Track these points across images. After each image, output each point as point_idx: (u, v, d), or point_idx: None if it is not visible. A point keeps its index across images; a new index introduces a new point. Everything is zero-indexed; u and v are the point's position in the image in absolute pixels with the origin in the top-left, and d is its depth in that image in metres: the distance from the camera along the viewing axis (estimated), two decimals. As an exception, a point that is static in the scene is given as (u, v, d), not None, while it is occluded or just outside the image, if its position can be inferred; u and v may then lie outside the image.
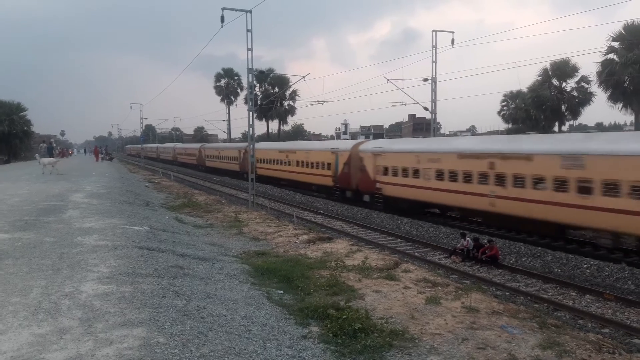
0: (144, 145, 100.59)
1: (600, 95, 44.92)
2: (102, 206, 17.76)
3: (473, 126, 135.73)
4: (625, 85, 39.51)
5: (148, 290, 7.82)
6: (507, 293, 13.33)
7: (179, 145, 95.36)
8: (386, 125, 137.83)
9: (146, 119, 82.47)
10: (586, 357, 6.75)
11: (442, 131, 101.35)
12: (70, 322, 6.19)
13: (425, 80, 34.97)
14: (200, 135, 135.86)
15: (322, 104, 44.10)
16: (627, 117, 45.72)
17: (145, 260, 9.89)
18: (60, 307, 6.75)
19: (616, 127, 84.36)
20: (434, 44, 33.49)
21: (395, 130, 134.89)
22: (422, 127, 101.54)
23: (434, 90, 34.54)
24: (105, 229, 12.83)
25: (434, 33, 33.53)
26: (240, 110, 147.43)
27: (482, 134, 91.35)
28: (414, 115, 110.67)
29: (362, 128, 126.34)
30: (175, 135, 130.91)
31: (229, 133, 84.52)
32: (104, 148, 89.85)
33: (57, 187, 23.73)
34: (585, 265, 15.28)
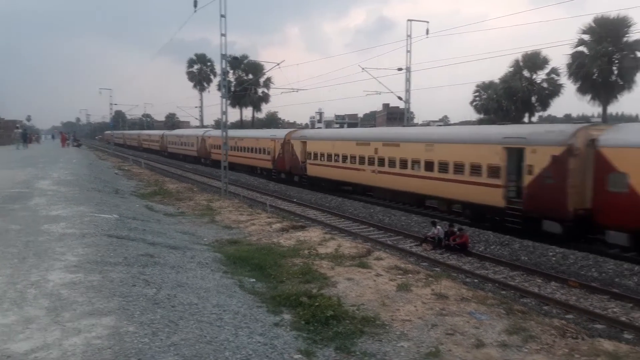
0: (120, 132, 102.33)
1: (569, 87, 45.92)
2: (70, 193, 17.36)
3: (446, 116, 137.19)
4: (594, 77, 40.44)
5: (117, 279, 7.71)
6: (475, 280, 13.61)
7: (144, 132, 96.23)
8: (361, 114, 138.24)
9: (116, 104, 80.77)
10: (551, 342, 6.96)
11: (415, 120, 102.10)
12: (36, 312, 6.07)
13: (400, 69, 35.15)
14: (172, 122, 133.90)
15: (297, 91, 43.90)
16: (595, 109, 46.82)
17: (114, 248, 9.74)
18: (26, 296, 6.60)
19: (584, 119, 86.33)
20: (409, 34, 33.66)
21: (370, 119, 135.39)
22: (396, 116, 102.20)
23: (408, 80, 34.76)
24: (73, 217, 12.56)
25: (409, 22, 33.69)
26: (214, 96, 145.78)
27: (455, 124, 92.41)
28: (388, 104, 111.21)
29: (337, 117, 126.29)
30: (146, 121, 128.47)
31: (202, 120, 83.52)
32: (72, 134, 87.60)
33: (23, 174, 23.06)
34: (551, 254, 15.70)
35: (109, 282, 7.45)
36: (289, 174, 36.43)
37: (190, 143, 59.22)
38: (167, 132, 75.42)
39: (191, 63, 79.01)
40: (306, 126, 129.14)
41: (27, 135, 54.72)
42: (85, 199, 16.56)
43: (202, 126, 79.62)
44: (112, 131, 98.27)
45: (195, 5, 25.55)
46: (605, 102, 41.64)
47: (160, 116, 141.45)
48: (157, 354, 5.29)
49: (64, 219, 12.17)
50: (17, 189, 17.50)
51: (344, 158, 28.96)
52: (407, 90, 35.07)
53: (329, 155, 30.65)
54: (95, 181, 24.07)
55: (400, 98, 35.95)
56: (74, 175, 24.71)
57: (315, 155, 32.42)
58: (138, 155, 66.39)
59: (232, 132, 47.86)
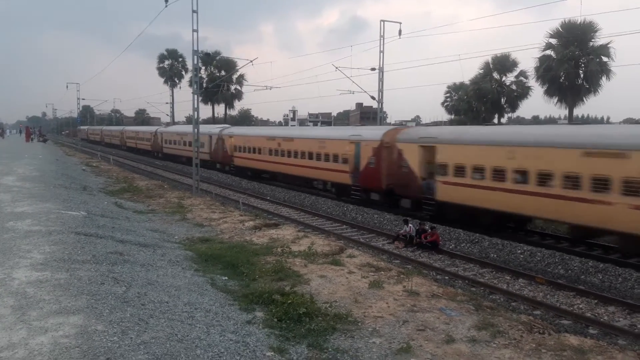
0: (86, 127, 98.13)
1: (537, 90, 46.88)
2: (36, 190, 16.90)
3: (418, 116, 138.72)
4: (561, 80, 41.39)
5: (85, 277, 7.55)
6: (446, 277, 13.80)
7: (130, 128, 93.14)
8: (334, 113, 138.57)
9: (83, 99, 78.79)
10: (518, 337, 7.12)
11: (388, 120, 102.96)
12: (1, 310, 5.90)
13: (373, 69, 35.34)
14: (142, 117, 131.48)
15: (270, 89, 43.74)
16: (562, 111, 47.95)
17: (82, 246, 9.53)
18: (-11, 294, 6.40)
19: (551, 120, 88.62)
20: (382, 34, 33.84)
21: (343, 118, 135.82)
22: (369, 115, 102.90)
23: (381, 80, 34.96)
24: (39, 214, 12.24)
25: (382, 23, 33.84)
26: (185, 93, 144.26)
27: (427, 124, 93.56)
28: (362, 104, 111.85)
29: (310, 115, 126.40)
30: (115, 117, 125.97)
31: (172, 116, 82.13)
32: (38, 129, 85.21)
33: (-14, 170, 22.36)
34: (519, 251, 16.05)
35: (77, 280, 7.28)
36: (222, 164, 41.98)
37: (146, 138, 57.12)
38: (162, 128, 62.79)
39: (162, 58, 77.63)
40: (279, 124, 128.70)
41: None
42: (51, 195, 16.14)
43: (174, 123, 78.47)
44: (87, 126, 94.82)
45: (166, 0, 25.14)
46: (571, 105, 42.68)
47: (130, 112, 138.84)
48: (127, 352, 5.20)
49: (29, 216, 11.85)
50: (-20, 185, 16.95)
51: (259, 150, 36.01)
52: (380, 90, 35.28)
53: (250, 149, 37.16)
54: (62, 177, 23.49)
55: (373, 98, 36.16)
56: (40, 171, 24.06)
57: (241, 148, 38.52)
58: (115, 154, 63.81)
59: (177, 128, 49.60)
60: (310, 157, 28.57)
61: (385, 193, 23.46)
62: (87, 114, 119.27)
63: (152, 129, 62.34)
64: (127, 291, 7.26)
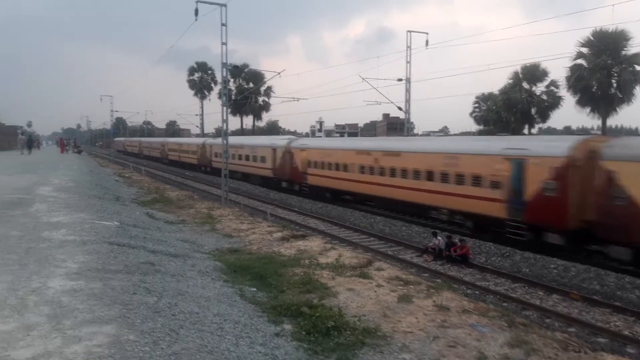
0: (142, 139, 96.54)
1: (568, 100, 46.06)
2: (71, 200, 17.34)
3: (446, 127, 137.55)
4: (593, 90, 40.57)
5: (118, 286, 7.68)
6: (477, 292, 13.56)
7: (145, 139, 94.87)
8: (361, 124, 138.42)
9: (116, 111, 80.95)
10: (553, 355, 6.92)
11: (415, 131, 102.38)
12: (37, 319, 6.03)
13: (400, 80, 35.26)
14: (173, 129, 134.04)
15: (298, 100, 44.02)
16: (595, 121, 46.90)
17: (115, 256, 9.71)
18: (27, 303, 6.56)
19: (584, 131, 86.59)
20: (409, 45, 33.79)
21: (370, 129, 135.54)
22: (396, 126, 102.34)
23: (408, 90, 34.86)
24: (73, 224, 12.53)
25: (409, 34, 33.82)
26: (214, 104, 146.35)
27: (455, 134, 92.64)
28: (389, 114, 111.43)
29: (337, 126, 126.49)
30: (147, 129, 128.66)
31: (202, 128, 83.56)
32: (73, 140, 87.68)
33: (24, 180, 23.05)
34: (552, 266, 15.65)
35: (110, 290, 7.41)
36: (205, 167, 52.71)
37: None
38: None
39: (192, 71, 79.21)
40: (306, 135, 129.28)
41: (32, 142, 57.54)
42: (85, 205, 16.53)
43: (203, 134, 79.59)
44: (124, 138, 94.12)
45: (196, 14, 25.64)
46: (604, 115, 41.73)
47: (160, 124, 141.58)
48: (158, 363, 5.25)
49: (64, 226, 12.14)
50: (18, 195, 17.48)
51: (218, 155, 46.07)
52: (407, 101, 35.17)
53: (216, 154, 47.69)
54: (96, 188, 24.05)
55: (400, 108, 36.04)
56: (75, 181, 24.70)
57: (216, 154, 48.04)
58: (146, 165, 61.57)
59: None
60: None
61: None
62: (119, 126, 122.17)
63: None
64: (159, 301, 7.35)
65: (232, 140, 47.01)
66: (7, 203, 15.45)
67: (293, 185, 34.95)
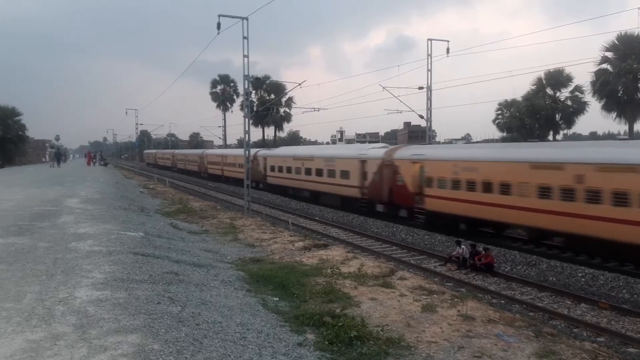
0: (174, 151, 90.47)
1: (594, 105, 45.24)
2: (97, 211, 17.67)
3: (468, 134, 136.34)
4: (619, 94, 39.78)
5: (143, 296, 7.77)
6: (502, 301, 13.32)
7: (179, 151, 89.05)
8: (382, 133, 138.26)
9: (141, 124, 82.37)
10: (582, 365, 6.74)
11: (437, 139, 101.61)
12: (64, 328, 6.14)
13: (421, 88, 35.07)
14: (196, 141, 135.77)
15: (318, 111, 44.13)
16: (621, 127, 45.91)
17: (140, 266, 9.84)
18: (54, 312, 6.69)
19: (610, 136, 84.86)
20: (429, 53, 33.65)
21: (391, 138, 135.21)
22: (417, 134, 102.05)
23: (429, 99, 34.65)
24: (99, 235, 12.76)
25: (429, 42, 33.68)
26: (237, 116, 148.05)
27: (477, 142, 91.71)
28: (410, 123, 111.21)
29: (358, 135, 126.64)
30: (171, 141, 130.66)
31: (225, 139, 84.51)
32: (99, 153, 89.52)
33: (52, 192, 23.60)
34: (580, 274, 15.31)
35: (135, 300, 7.50)
36: (207, 174, 62.23)
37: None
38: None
39: (215, 84, 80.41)
40: (327, 144, 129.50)
41: (60, 155, 60.74)
42: (111, 216, 16.82)
43: (226, 146, 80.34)
44: (156, 150, 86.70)
45: (218, 27, 26.02)
46: (631, 120, 40.85)
47: (184, 135, 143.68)
48: (182, 372, 5.29)
49: (91, 237, 12.37)
50: (46, 207, 17.90)
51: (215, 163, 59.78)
52: (429, 109, 34.93)
53: (216, 162, 59.81)
54: (122, 199, 24.46)
55: (421, 117, 35.85)
56: (101, 193, 25.18)
57: (215, 163, 60.23)
58: (170, 177, 61.16)
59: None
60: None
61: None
62: (144, 139, 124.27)
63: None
64: (182, 311, 7.41)
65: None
66: (35, 215, 15.82)
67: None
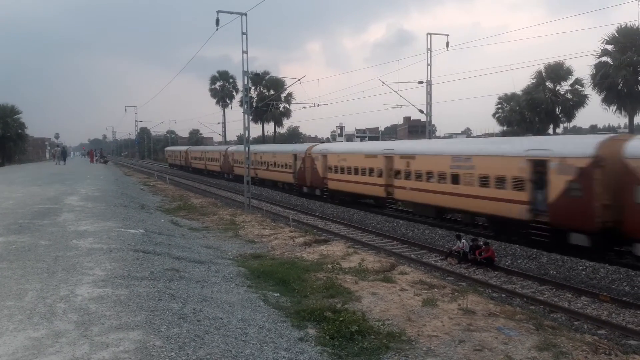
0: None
1: (594, 98, 45.15)
2: (97, 209, 17.68)
3: (468, 128, 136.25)
4: (619, 87, 39.69)
5: (144, 293, 7.79)
6: (503, 295, 13.35)
7: (193, 148, 77.53)
8: (382, 128, 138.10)
9: (141, 121, 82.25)
10: (583, 358, 6.76)
11: (437, 133, 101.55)
12: (65, 326, 6.16)
13: (420, 82, 35.02)
14: (196, 138, 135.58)
15: (318, 106, 44.15)
16: (621, 120, 45.86)
17: (140, 263, 9.85)
18: (55, 310, 6.71)
19: (610, 129, 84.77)
20: (429, 47, 33.58)
21: (391, 133, 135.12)
22: (417, 129, 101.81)
23: (429, 93, 34.62)
24: (100, 232, 12.77)
25: (429, 36, 33.61)
26: (236, 112, 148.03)
27: (477, 136, 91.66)
28: (409, 117, 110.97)
29: (358, 130, 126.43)
30: (170, 138, 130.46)
31: (224, 136, 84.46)
32: (99, 151, 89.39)
33: (52, 190, 23.61)
34: (580, 267, 15.32)
35: (136, 297, 7.52)
36: (188, 167, 68.17)
37: (180, 156, 40.73)
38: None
39: (214, 80, 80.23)
40: (327, 140, 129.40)
41: (66, 153, 63.37)
42: (112, 214, 16.83)
43: (225, 142, 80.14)
44: (183, 147, 74.90)
45: (217, 23, 25.96)
46: (631, 113, 40.78)
47: (183, 132, 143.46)
48: (184, 368, 5.30)
49: (91, 234, 12.38)
50: (47, 205, 17.91)
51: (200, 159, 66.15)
52: (428, 103, 34.90)
53: (197, 158, 68.40)
54: (122, 197, 24.47)
55: (421, 111, 35.82)
56: (101, 191, 25.19)
57: (196, 158, 68.51)
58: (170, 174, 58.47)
59: (178, 148, 44.59)
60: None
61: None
62: (144, 136, 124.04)
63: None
64: (183, 307, 7.43)
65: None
66: (36, 213, 15.84)
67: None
